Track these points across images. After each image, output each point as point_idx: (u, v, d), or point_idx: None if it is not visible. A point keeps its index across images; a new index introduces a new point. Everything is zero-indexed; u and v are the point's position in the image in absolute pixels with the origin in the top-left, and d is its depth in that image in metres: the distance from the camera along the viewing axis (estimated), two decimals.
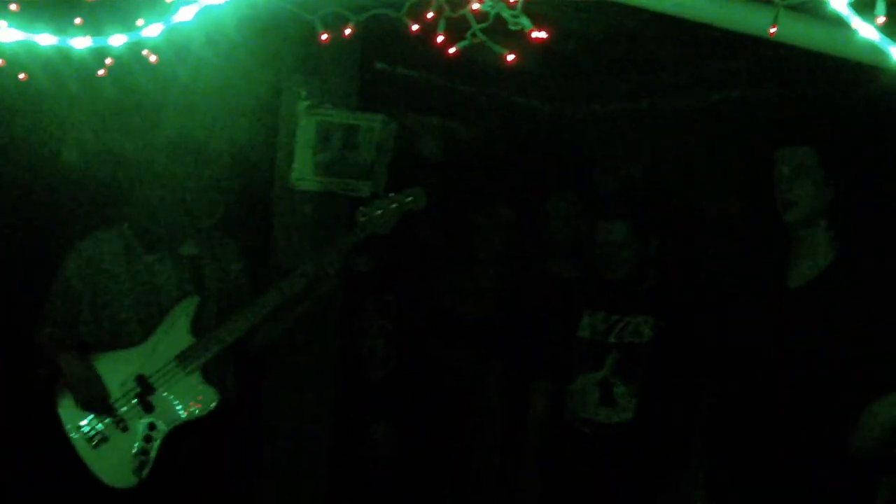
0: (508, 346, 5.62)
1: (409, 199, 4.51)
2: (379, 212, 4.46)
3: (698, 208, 5.82)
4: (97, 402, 4.29)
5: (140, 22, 3.18)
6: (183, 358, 4.33)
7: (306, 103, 5.02)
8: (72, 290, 4.43)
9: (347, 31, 3.36)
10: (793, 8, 2.74)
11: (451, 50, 3.18)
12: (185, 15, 3.11)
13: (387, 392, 5.63)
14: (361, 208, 4.47)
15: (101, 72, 3.57)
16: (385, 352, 5.63)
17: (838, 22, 2.54)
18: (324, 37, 3.34)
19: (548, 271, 5.79)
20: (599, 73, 5.59)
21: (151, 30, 3.12)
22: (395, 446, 5.64)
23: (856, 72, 3.05)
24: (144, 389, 4.31)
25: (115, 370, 4.33)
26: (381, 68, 5.65)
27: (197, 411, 4.34)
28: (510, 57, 3.12)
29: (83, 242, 4.48)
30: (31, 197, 5.35)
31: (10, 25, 3.24)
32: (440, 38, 3.24)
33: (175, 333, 4.37)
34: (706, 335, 4.62)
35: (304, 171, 5.08)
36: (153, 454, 4.29)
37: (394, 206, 4.48)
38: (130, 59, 3.44)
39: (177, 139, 4.47)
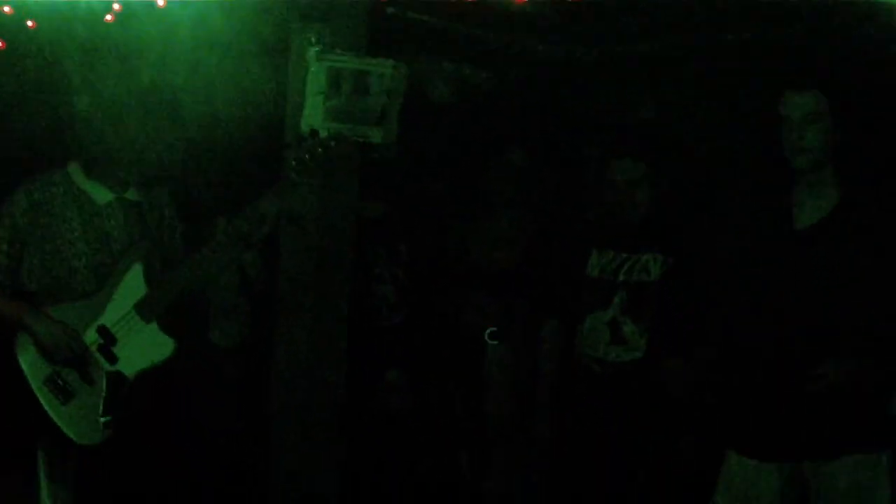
0: (521, 289, 5.60)
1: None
2: (319, 150, 4.51)
3: (706, 148, 5.78)
4: (75, 355, 4.23)
5: None
6: (141, 306, 4.30)
7: (316, 49, 4.97)
8: (19, 233, 4.29)
9: None
10: None
11: None
12: None
13: (399, 339, 5.62)
14: (303, 145, 4.45)
15: (108, 17, 3.56)
16: (396, 299, 5.61)
17: None
18: None
19: (563, 212, 5.76)
20: (609, 14, 5.51)
21: None
22: (407, 392, 5.64)
23: (857, 10, 3.01)
24: (107, 340, 4.28)
25: (74, 321, 4.27)
26: (391, 12, 5.59)
27: (157, 359, 4.32)
28: None
29: (32, 184, 4.34)
30: (37, 144, 5.33)
31: None
32: None
33: (130, 281, 4.32)
34: (713, 273, 4.63)
35: (314, 117, 5.04)
36: (118, 405, 4.26)
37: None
38: (138, 4, 3.42)
39: (151, 88, 4.39)
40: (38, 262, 4.31)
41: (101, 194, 4.36)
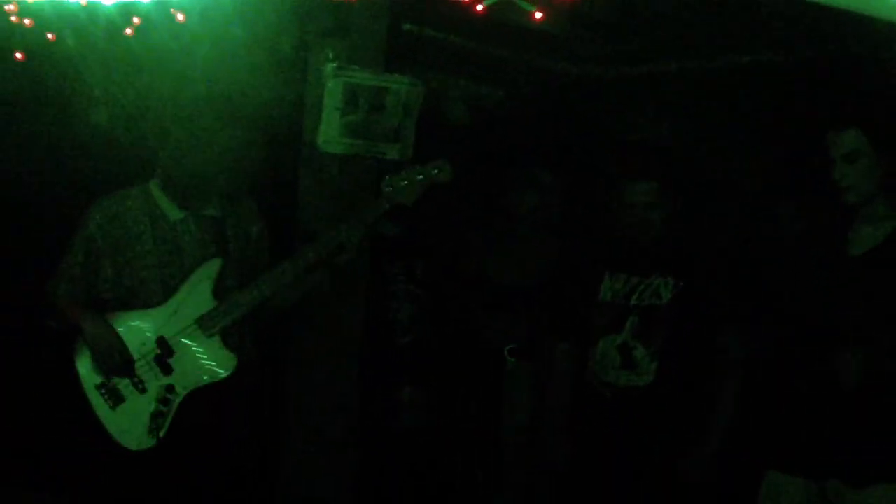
0: (537, 309, 5.60)
1: (435, 171, 4.45)
2: (404, 182, 4.40)
3: (722, 171, 5.78)
4: (119, 365, 4.26)
5: None
6: (203, 321, 4.31)
7: (334, 65, 5.00)
8: (94, 245, 4.37)
9: None
10: None
11: (479, 7, 3.16)
12: None
13: (414, 356, 5.63)
14: (387, 178, 4.42)
15: (128, 31, 3.58)
16: (413, 316, 5.61)
17: None
18: None
19: (578, 233, 5.76)
20: (626, 34, 5.53)
21: None
22: (422, 410, 5.64)
23: (888, 32, 3.01)
24: (164, 351, 4.29)
25: (135, 330, 4.31)
26: (409, 29, 5.61)
27: (215, 375, 4.32)
28: (538, 15, 3.10)
29: (108, 199, 4.42)
30: (60, 156, 5.36)
31: None
32: None
33: (197, 296, 4.34)
34: (726, 298, 4.63)
35: (330, 133, 5.06)
36: (170, 417, 4.27)
37: (419, 177, 4.41)
38: (157, 18, 3.44)
39: (203, 98, 4.45)
40: (112, 272, 4.38)
41: (174, 210, 4.41)
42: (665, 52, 5.79)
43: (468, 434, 5.72)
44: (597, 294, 4.83)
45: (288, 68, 5.15)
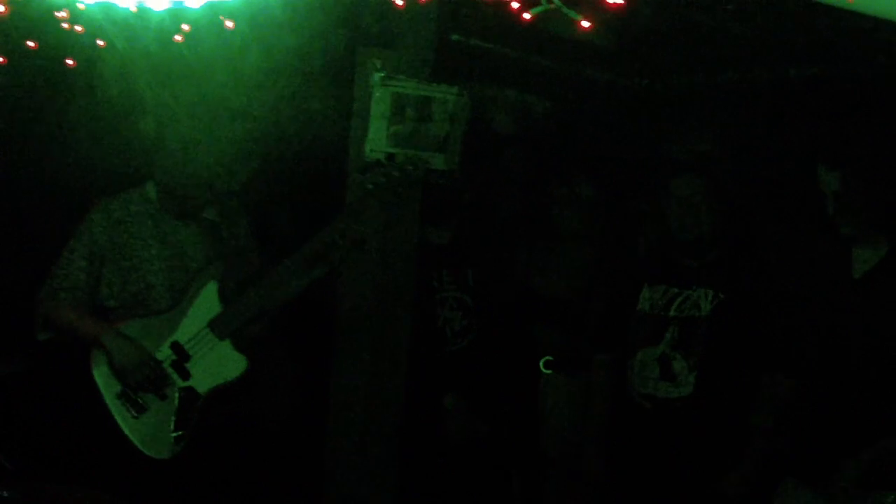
0: (577, 321, 5.59)
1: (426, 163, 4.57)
2: (396, 173, 4.50)
3: (765, 185, 5.75)
4: (150, 378, 4.26)
5: None
6: (215, 324, 4.34)
7: (381, 74, 5.01)
8: (97, 250, 4.35)
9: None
10: None
11: (526, 15, 3.15)
12: None
13: (460, 364, 5.61)
14: (378, 169, 4.50)
15: (177, 37, 3.61)
16: (462, 325, 5.60)
17: None
18: (399, 2, 3.33)
19: (618, 245, 5.75)
20: (672, 46, 5.52)
21: None
22: (464, 418, 5.62)
23: None
24: (180, 356, 4.32)
25: (149, 337, 4.32)
26: (456, 40, 5.63)
27: (230, 377, 4.35)
28: (585, 24, 3.09)
29: (111, 202, 4.41)
30: (110, 164, 5.40)
31: None
32: (515, 5, 3.23)
33: (205, 300, 4.36)
34: (765, 312, 4.61)
35: (377, 142, 5.07)
36: (190, 421, 4.29)
37: (409, 168, 4.53)
38: (208, 25, 3.47)
39: (221, 101, 4.46)
40: (116, 278, 4.37)
41: (177, 214, 4.42)
42: (711, 64, 5.78)
43: (509, 444, 5.71)
44: (635, 305, 4.82)
45: (335, 77, 5.18)
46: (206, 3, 3.21)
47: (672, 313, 4.74)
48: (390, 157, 4.79)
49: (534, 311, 5.73)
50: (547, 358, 5.64)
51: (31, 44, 3.76)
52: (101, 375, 4.28)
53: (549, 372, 5.65)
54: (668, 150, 6.17)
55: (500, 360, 5.63)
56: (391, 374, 5.20)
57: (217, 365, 4.34)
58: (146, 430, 4.27)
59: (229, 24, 3.42)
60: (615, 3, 2.98)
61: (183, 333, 4.33)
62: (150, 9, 3.34)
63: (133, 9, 3.28)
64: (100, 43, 3.70)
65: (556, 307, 5.70)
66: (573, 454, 5.44)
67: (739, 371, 4.65)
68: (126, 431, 4.25)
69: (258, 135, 4.41)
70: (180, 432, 4.27)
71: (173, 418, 4.28)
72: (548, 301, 5.72)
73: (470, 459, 5.56)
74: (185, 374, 4.31)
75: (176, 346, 4.32)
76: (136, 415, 4.26)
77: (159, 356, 4.30)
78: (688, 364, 4.67)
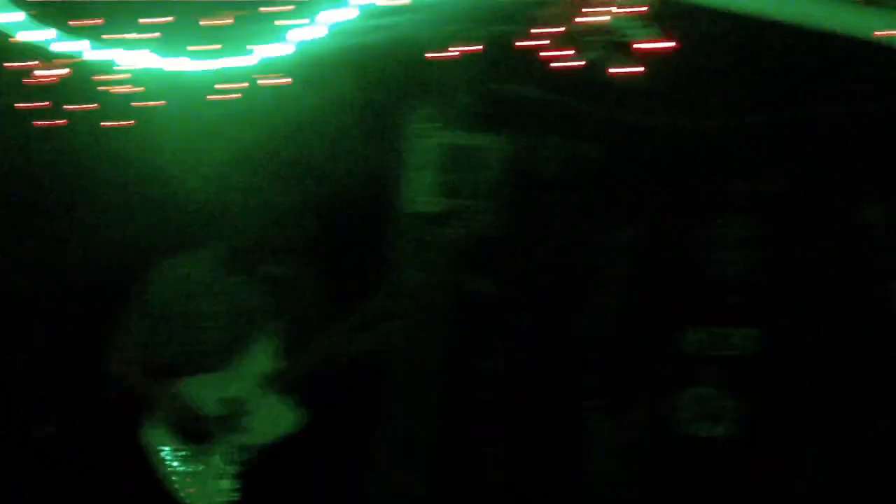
0: (623, 362, 5.59)
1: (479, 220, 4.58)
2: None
3: (810, 221, 5.73)
4: (197, 436, 4.31)
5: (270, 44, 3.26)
6: (268, 380, 4.36)
7: (427, 124, 5.06)
8: (156, 310, 4.41)
9: (465, 48, 3.39)
10: None
11: (578, 62, 3.19)
12: (307, 35, 3.17)
13: (502, 412, 5.62)
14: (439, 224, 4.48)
15: (227, 95, 3.69)
16: (505, 371, 5.61)
17: None
18: (445, 54, 3.38)
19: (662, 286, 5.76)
20: (718, 87, 5.53)
21: (282, 49, 3.19)
22: (503, 465, 5.62)
23: None
24: (232, 412, 4.35)
25: (203, 393, 4.35)
26: (499, 88, 5.67)
27: (281, 433, 4.36)
28: (638, 69, 3.12)
29: (170, 263, 4.47)
30: (164, 222, 5.46)
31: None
32: (558, 53, 3.27)
33: (260, 356, 4.39)
34: (810, 348, 4.59)
35: (423, 192, 5.10)
36: (241, 477, 4.31)
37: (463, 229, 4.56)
38: (252, 81, 3.53)
39: (273, 156, 4.50)
40: (175, 337, 4.42)
41: (235, 272, 4.46)
42: (757, 105, 5.77)
43: (551, 485, 5.70)
44: (679, 346, 4.82)
45: (383, 129, 5.22)
46: (260, 61, 3.27)
47: (716, 353, 4.73)
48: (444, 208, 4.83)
49: (578, 354, 5.73)
50: (591, 402, 5.63)
51: (90, 105, 3.84)
52: (153, 431, 4.34)
53: (593, 416, 5.63)
54: (715, 190, 6.17)
55: (542, 405, 5.64)
56: (424, 423, 5.20)
57: (269, 420, 4.36)
58: (195, 485, 4.30)
59: (287, 80, 3.48)
60: (666, 48, 3.00)
61: (235, 389, 4.36)
62: (196, 69, 3.41)
63: (191, 69, 3.35)
64: (154, 104, 3.77)
65: (600, 349, 5.70)
66: (618, 497, 5.43)
67: (785, 411, 4.64)
68: (176, 485, 4.30)
69: (314, 191, 4.43)
70: (228, 486, 4.29)
71: (221, 472, 4.31)
72: (592, 343, 5.73)
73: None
74: (237, 430, 4.34)
75: (229, 402, 4.35)
76: (184, 468, 4.30)
77: (212, 412, 4.34)
78: (734, 404, 4.66)
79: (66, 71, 3.57)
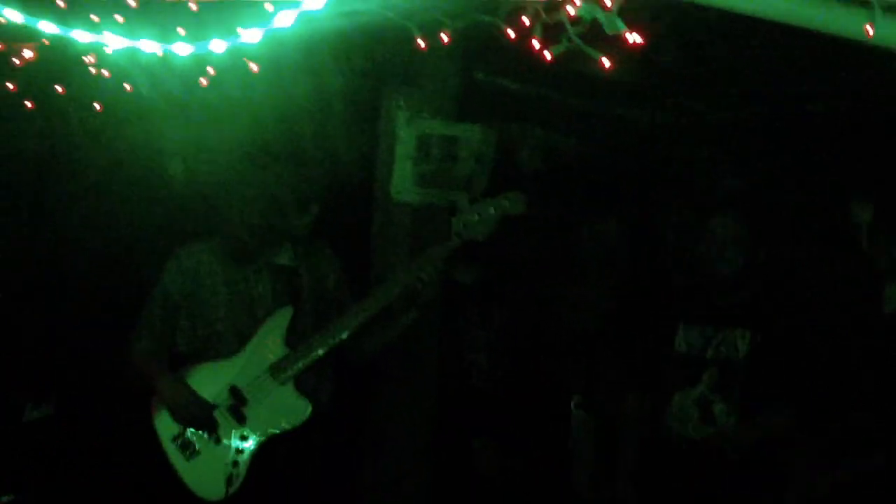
0: (607, 356, 5.57)
1: (507, 202, 4.41)
2: (476, 217, 4.37)
3: (797, 220, 5.71)
4: (198, 418, 4.30)
5: (240, 29, 3.21)
6: (276, 369, 4.32)
7: (406, 114, 5.03)
8: (171, 300, 4.43)
9: (444, 38, 3.37)
10: (891, 9, 2.66)
11: (547, 55, 3.16)
12: (284, 20, 3.13)
13: (489, 405, 5.60)
14: (459, 214, 4.40)
15: (202, 80, 3.64)
16: (489, 364, 5.59)
17: None
18: (421, 43, 3.35)
19: (651, 283, 5.73)
20: (699, 82, 5.51)
21: (251, 35, 3.15)
22: (493, 459, 5.61)
23: None
24: (237, 401, 4.32)
25: (209, 381, 4.34)
26: (480, 79, 5.64)
27: (289, 423, 4.32)
28: (607, 63, 3.09)
29: (181, 253, 4.48)
30: (137, 208, 5.44)
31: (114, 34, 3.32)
32: (537, 45, 3.23)
33: (269, 344, 4.36)
34: (804, 351, 4.57)
35: (403, 182, 5.08)
36: (245, 466, 4.28)
37: (491, 210, 4.38)
38: (231, 68, 3.49)
39: (264, 145, 4.48)
40: (187, 325, 4.44)
41: (246, 262, 4.44)
42: (738, 98, 5.76)
43: (539, 483, 5.68)
44: (670, 346, 4.79)
45: (360, 117, 5.19)
46: (228, 48, 3.22)
47: (709, 355, 4.70)
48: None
49: (560, 348, 5.70)
50: (577, 396, 5.61)
51: (58, 88, 3.80)
52: (160, 422, 4.35)
53: (579, 410, 5.61)
54: (698, 186, 6.16)
55: (528, 399, 5.62)
56: (421, 416, 5.20)
57: (275, 410, 4.32)
58: (199, 473, 4.29)
59: (253, 67, 3.44)
60: (635, 43, 2.97)
61: (242, 378, 4.33)
62: (174, 54, 3.36)
63: (159, 54, 3.30)
64: (126, 87, 3.73)
65: (581, 343, 5.68)
66: (603, 494, 5.41)
67: (780, 412, 4.61)
68: (180, 473, 4.30)
69: (309, 177, 4.40)
70: (231, 475, 4.26)
71: (226, 462, 4.28)
72: (574, 337, 5.70)
73: (500, 499, 5.54)
74: (242, 419, 4.31)
75: (234, 391, 4.32)
76: (189, 457, 4.30)
77: (217, 400, 4.32)
78: (727, 407, 4.63)
79: (31, 54, 3.52)
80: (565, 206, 6.15)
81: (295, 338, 4.37)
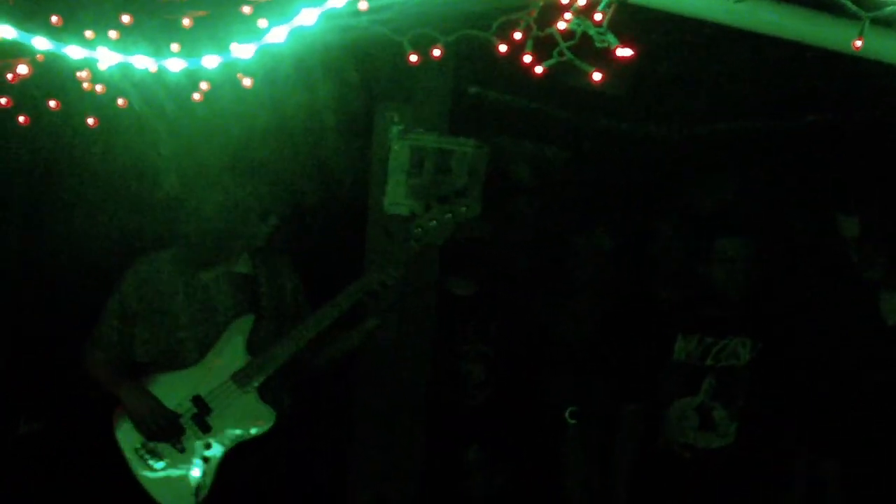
0: (606, 370, 5.57)
1: (463, 208, 4.45)
2: (433, 223, 4.39)
3: (789, 232, 5.74)
4: (162, 428, 4.29)
5: (233, 45, 3.23)
6: (239, 377, 4.32)
7: (399, 128, 5.04)
8: (129, 309, 4.41)
9: (437, 53, 3.39)
10: (881, 22, 2.68)
11: (539, 69, 3.18)
12: (276, 36, 3.15)
13: (483, 416, 5.61)
14: (417, 219, 4.44)
15: (195, 96, 3.65)
16: (483, 377, 5.60)
17: None
18: (413, 58, 3.37)
19: (646, 294, 5.74)
20: (689, 94, 5.54)
21: (244, 51, 3.16)
22: (486, 472, 5.61)
23: None
24: (201, 410, 4.31)
25: (172, 391, 4.33)
26: (473, 93, 5.66)
27: (253, 430, 4.32)
28: (597, 76, 3.11)
29: (139, 261, 4.47)
30: (131, 221, 5.44)
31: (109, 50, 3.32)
32: (528, 59, 3.26)
33: (230, 352, 4.36)
34: (804, 358, 4.59)
35: (397, 195, 5.09)
36: (212, 475, 4.28)
37: (447, 215, 4.41)
38: (223, 83, 3.51)
39: (232, 155, 4.49)
40: (148, 335, 4.42)
41: (205, 270, 4.44)
42: (727, 112, 5.78)
43: (532, 496, 5.69)
44: (669, 355, 4.80)
45: (353, 131, 5.21)
46: (221, 63, 3.24)
47: (709, 363, 4.71)
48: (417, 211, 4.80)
49: (554, 360, 5.71)
50: (571, 409, 5.61)
51: (52, 104, 3.81)
52: (122, 430, 4.33)
53: (573, 422, 5.62)
54: (688, 199, 6.17)
55: (522, 411, 5.62)
56: (410, 426, 5.20)
57: (240, 418, 4.32)
58: (165, 484, 4.28)
59: (247, 82, 3.45)
60: (625, 56, 2.99)
61: (205, 387, 4.33)
62: (167, 69, 3.37)
63: (152, 69, 3.31)
64: (119, 102, 3.74)
65: (572, 355, 5.69)
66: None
67: (781, 420, 4.63)
68: (144, 484, 4.28)
69: (275, 190, 4.42)
70: (197, 485, 4.26)
71: (191, 471, 4.28)
72: (565, 349, 5.71)
73: None
74: (206, 427, 4.30)
75: (197, 400, 4.32)
76: (154, 467, 4.29)
77: (180, 409, 4.31)
78: (728, 413, 4.65)
79: (25, 70, 3.54)
80: (557, 218, 6.16)
81: (257, 346, 4.37)
